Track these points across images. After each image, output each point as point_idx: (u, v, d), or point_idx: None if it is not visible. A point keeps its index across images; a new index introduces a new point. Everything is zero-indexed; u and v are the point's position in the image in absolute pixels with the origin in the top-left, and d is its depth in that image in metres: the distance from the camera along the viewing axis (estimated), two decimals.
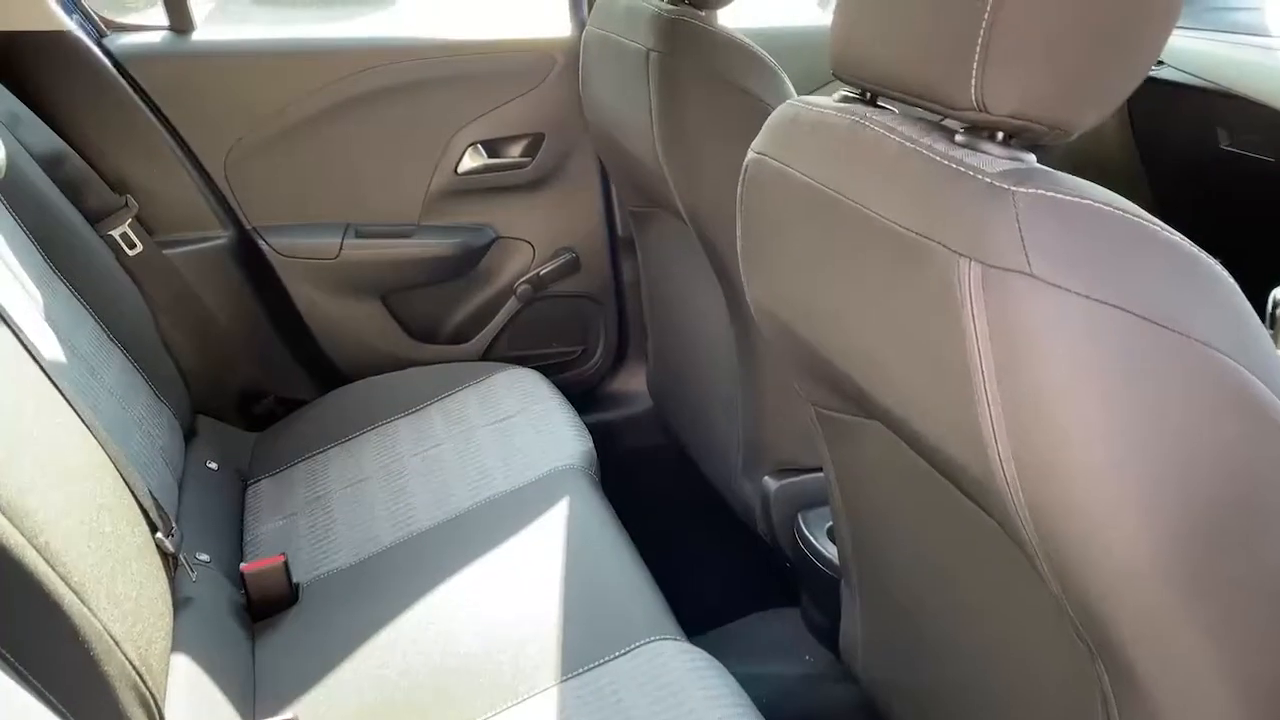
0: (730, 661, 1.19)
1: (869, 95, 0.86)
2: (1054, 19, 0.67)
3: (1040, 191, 0.66)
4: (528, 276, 2.03)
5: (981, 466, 0.72)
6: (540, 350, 2.09)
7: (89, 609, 1.03)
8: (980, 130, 0.72)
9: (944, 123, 0.76)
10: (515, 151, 1.97)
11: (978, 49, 0.68)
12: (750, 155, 0.97)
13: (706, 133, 1.38)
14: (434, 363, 2.01)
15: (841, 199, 0.81)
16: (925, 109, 0.76)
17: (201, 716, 1.17)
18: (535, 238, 2.02)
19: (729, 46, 1.38)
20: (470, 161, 1.95)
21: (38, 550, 0.99)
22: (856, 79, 0.84)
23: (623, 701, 1.11)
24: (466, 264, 1.99)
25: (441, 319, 2.04)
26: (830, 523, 1.31)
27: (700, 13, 1.43)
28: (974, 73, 0.69)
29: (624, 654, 1.18)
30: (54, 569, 1.00)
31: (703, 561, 1.72)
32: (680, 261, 1.69)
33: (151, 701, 1.08)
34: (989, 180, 0.68)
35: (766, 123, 0.96)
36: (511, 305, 2.04)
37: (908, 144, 0.75)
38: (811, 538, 1.47)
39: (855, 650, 1.26)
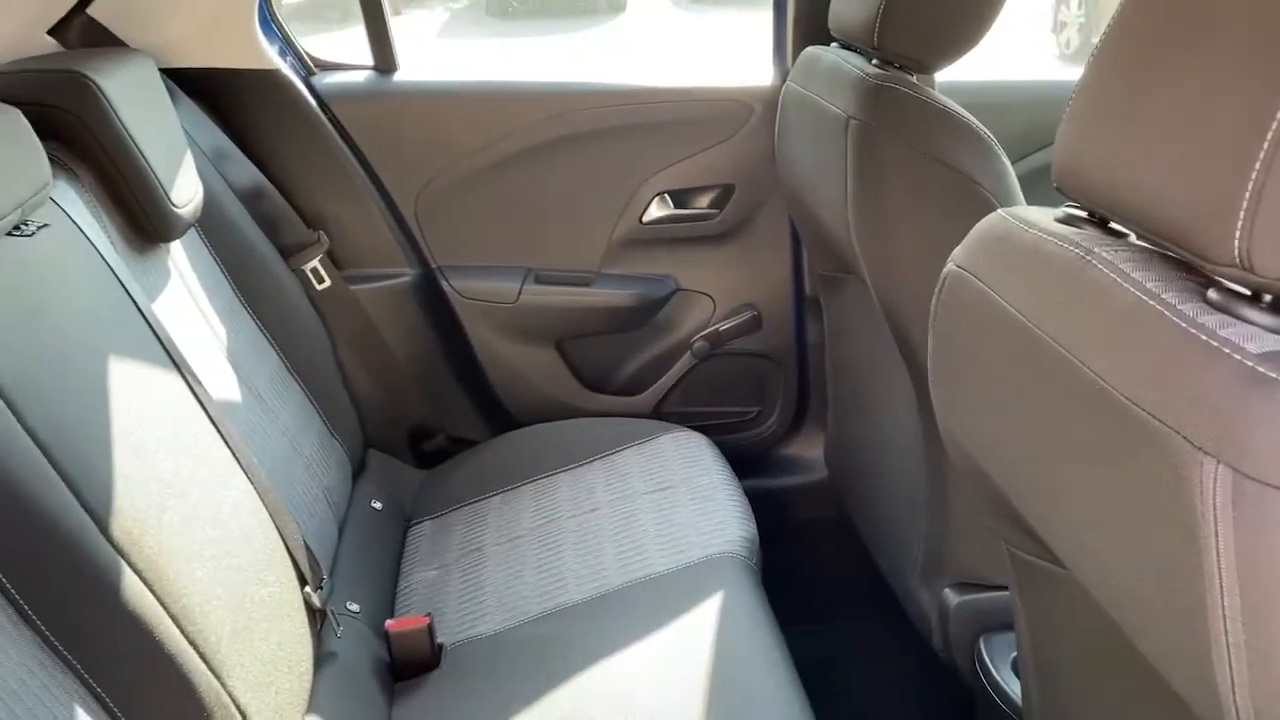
0: None
1: (1098, 216, 0.71)
2: None
3: None
4: (706, 332, 1.94)
5: (1206, 703, 0.57)
6: (714, 408, 2.00)
7: (220, 679, 1.02)
8: (1242, 293, 0.57)
9: (1193, 268, 0.61)
10: (703, 202, 1.89)
11: (1246, 196, 0.53)
12: (950, 266, 0.84)
13: (906, 211, 1.25)
14: (604, 413, 1.96)
15: (1053, 346, 0.67)
16: (1169, 251, 0.62)
17: None
18: (717, 292, 1.93)
19: (939, 117, 1.24)
20: (656, 210, 1.89)
21: (173, 617, 0.98)
22: (1086, 199, 0.70)
23: None
24: (644, 315, 1.93)
25: (615, 369, 1.98)
26: (1016, 653, 1.15)
27: (911, 77, 1.30)
28: (1240, 223, 0.54)
29: None
30: (187, 636, 0.99)
31: (865, 665, 1.58)
32: (869, 336, 1.56)
33: None
34: (1251, 364, 0.53)
35: (973, 232, 0.83)
36: (687, 360, 1.96)
37: (1146, 299, 0.60)
38: (993, 668, 1.30)
39: None
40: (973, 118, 1.25)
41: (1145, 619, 0.63)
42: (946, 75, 1.44)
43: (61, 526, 0.91)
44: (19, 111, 1.08)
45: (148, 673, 0.95)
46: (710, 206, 1.88)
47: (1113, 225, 0.71)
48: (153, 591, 0.97)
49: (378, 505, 1.71)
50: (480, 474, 1.81)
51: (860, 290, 1.52)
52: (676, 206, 1.89)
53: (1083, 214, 0.73)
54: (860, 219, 1.30)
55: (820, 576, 1.84)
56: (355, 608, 1.44)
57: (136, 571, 0.96)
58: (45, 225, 1.10)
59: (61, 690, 0.87)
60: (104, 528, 0.95)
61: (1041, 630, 1.02)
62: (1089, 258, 0.66)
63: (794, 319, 1.94)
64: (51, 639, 0.88)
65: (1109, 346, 0.62)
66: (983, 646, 1.33)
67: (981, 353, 0.79)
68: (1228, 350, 0.55)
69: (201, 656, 1.00)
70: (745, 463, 1.85)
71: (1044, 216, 0.76)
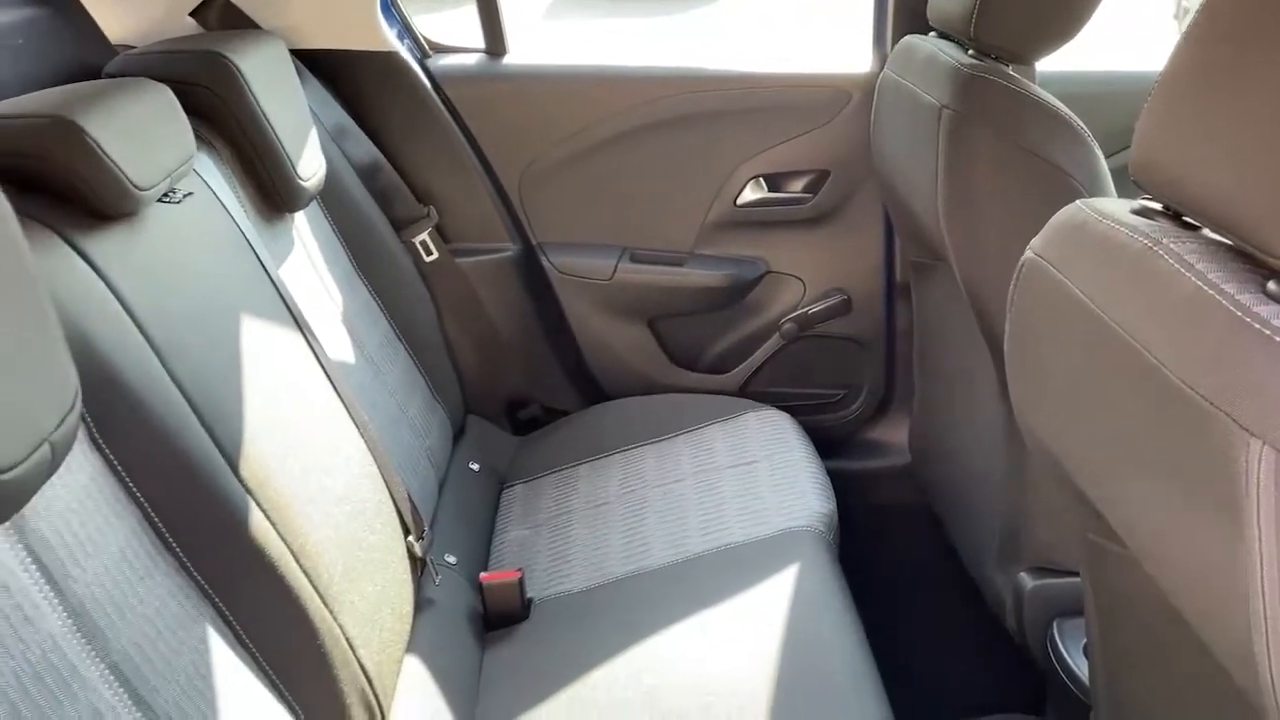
0: None
1: (1172, 210, 0.74)
2: None
3: None
4: (795, 314, 1.98)
5: (1248, 678, 0.61)
6: (799, 389, 2.04)
7: (331, 613, 1.11)
8: None
9: (1257, 261, 0.64)
10: (797, 186, 1.93)
11: None
12: (1028, 254, 0.88)
13: (995, 201, 1.27)
14: (692, 390, 2.01)
15: (1117, 331, 0.71)
16: (1236, 244, 0.65)
17: (423, 718, 1.24)
18: (807, 275, 1.97)
19: (1034, 109, 1.25)
20: (751, 194, 1.93)
21: (293, 553, 1.08)
22: (1160, 192, 0.73)
23: None
24: (735, 296, 1.98)
25: (704, 348, 2.04)
26: (1087, 639, 1.17)
27: (1006, 68, 1.32)
28: None
29: None
30: (306, 573, 1.09)
31: (939, 647, 1.61)
32: (957, 323, 1.58)
33: (376, 706, 1.16)
34: None
35: (1050, 222, 0.86)
36: (775, 341, 2.00)
37: (1206, 288, 0.63)
38: (1065, 652, 1.33)
39: None
40: (1067, 110, 1.26)
41: (1192, 592, 0.66)
42: (1052, 65, 1.45)
43: (200, 466, 1.01)
44: (169, 89, 1.19)
45: (269, 602, 1.05)
46: (804, 191, 1.92)
47: (1185, 219, 0.74)
48: (276, 529, 1.07)
49: (475, 467, 1.81)
50: (572, 442, 1.89)
51: (950, 277, 1.54)
52: (770, 190, 1.93)
53: (1157, 206, 0.76)
54: (949, 207, 1.32)
55: (897, 559, 1.87)
56: (452, 560, 1.53)
57: (263, 510, 1.06)
58: (190, 194, 1.21)
59: (197, 612, 0.98)
60: (235, 470, 1.05)
61: (1110, 613, 1.05)
62: (1156, 248, 0.69)
63: (884, 304, 1.97)
64: (189, 566, 0.99)
65: (1170, 333, 0.66)
66: (1056, 630, 1.36)
67: (1053, 338, 0.82)
68: (1279, 339, 0.58)
69: (316, 591, 1.10)
70: (828, 444, 1.89)
71: (1120, 208, 0.79)
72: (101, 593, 0.86)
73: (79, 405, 0.82)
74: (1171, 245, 0.69)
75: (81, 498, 0.89)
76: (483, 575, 1.50)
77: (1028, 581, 1.42)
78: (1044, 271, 0.84)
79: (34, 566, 0.80)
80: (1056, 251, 0.83)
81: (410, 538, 1.39)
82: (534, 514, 1.73)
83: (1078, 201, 0.84)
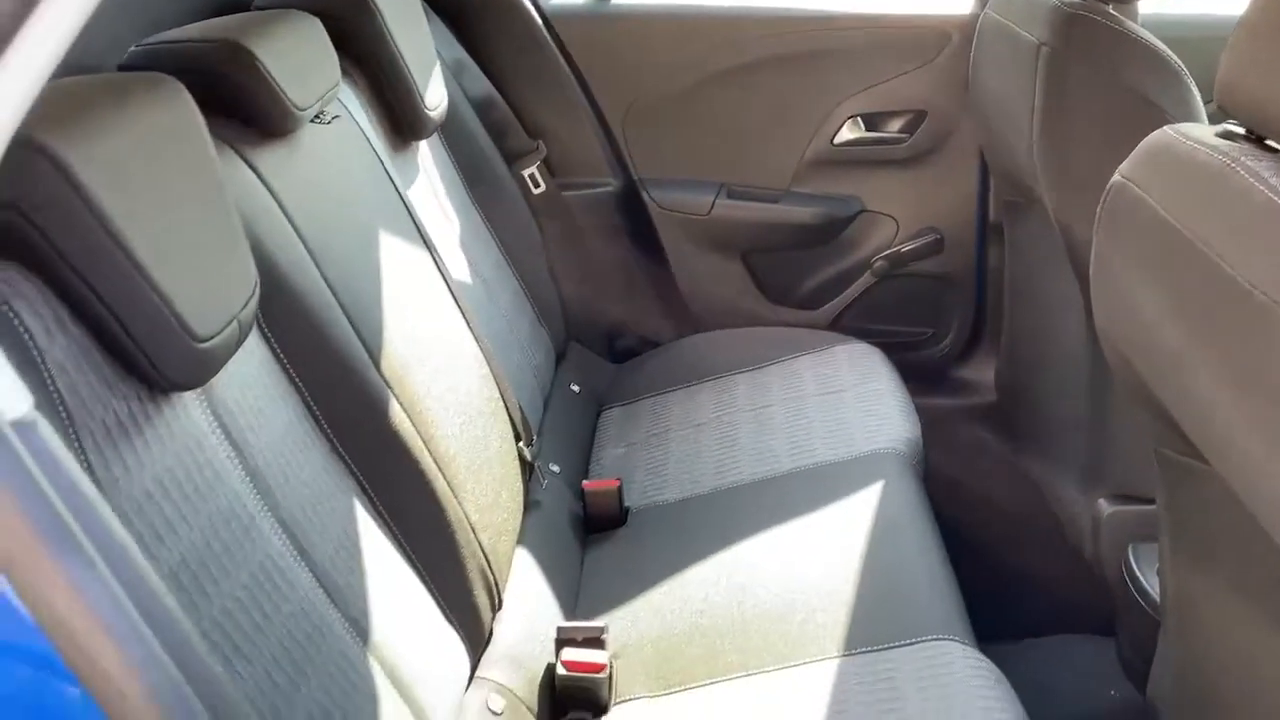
0: (1024, 677, 1.17)
1: (1255, 134, 0.80)
2: None
3: None
4: (888, 252, 2.03)
5: None
6: (889, 327, 2.10)
7: (457, 498, 1.24)
8: None
9: None
10: (894, 126, 1.97)
11: None
12: (1115, 178, 0.93)
13: (1090, 139, 1.31)
14: (784, 324, 2.09)
15: (1196, 245, 0.77)
16: None
17: (531, 604, 1.37)
18: (900, 214, 2.02)
19: (1133, 47, 1.29)
20: (848, 133, 1.98)
21: (425, 443, 1.21)
22: (1243, 116, 0.79)
23: (896, 690, 1.14)
24: (829, 233, 2.04)
25: (796, 284, 2.11)
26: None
27: (1107, 6, 1.35)
28: None
29: (908, 645, 1.21)
30: (435, 460, 1.22)
31: (1018, 570, 1.68)
32: (1047, 261, 1.63)
33: (493, 583, 1.29)
34: None
35: (1139, 146, 0.91)
36: (866, 279, 2.06)
37: (1277, 198, 0.69)
38: (1139, 573, 1.39)
39: (1164, 698, 1.19)
40: (1166, 49, 1.29)
41: (1262, 491, 0.73)
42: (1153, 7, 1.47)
43: (348, 359, 1.14)
44: (319, 20, 1.30)
45: (405, 484, 1.18)
46: (901, 131, 1.96)
47: (1267, 142, 0.79)
48: (410, 420, 1.19)
49: (576, 389, 1.92)
50: (667, 370, 1.99)
51: (1043, 217, 1.59)
52: (868, 130, 1.98)
53: (1240, 130, 0.81)
54: (1044, 142, 1.37)
55: (981, 492, 1.93)
56: (556, 469, 1.65)
57: (400, 403, 1.19)
58: (336, 116, 1.33)
59: (345, 486, 1.11)
60: (377, 364, 1.17)
61: (1182, 527, 1.11)
62: (1234, 165, 0.75)
63: (976, 244, 2.01)
64: (338, 446, 1.12)
65: (1243, 242, 0.72)
66: (1131, 554, 1.41)
67: (1135, 254, 0.89)
68: None
69: (445, 478, 1.23)
70: (916, 381, 1.94)
71: (1205, 132, 0.84)
72: (272, 459, 0.99)
73: (258, 292, 0.94)
74: (1249, 162, 0.75)
75: (254, 378, 1.02)
76: (585, 483, 1.61)
77: (1106, 508, 1.48)
78: (1129, 192, 0.90)
79: (220, 430, 0.93)
80: (1142, 172, 0.89)
81: (521, 443, 1.51)
82: (631, 434, 1.84)
83: (1165, 127, 0.89)
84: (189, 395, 0.90)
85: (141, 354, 0.81)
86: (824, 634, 1.25)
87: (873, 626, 1.24)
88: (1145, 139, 0.91)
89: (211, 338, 0.86)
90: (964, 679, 1.14)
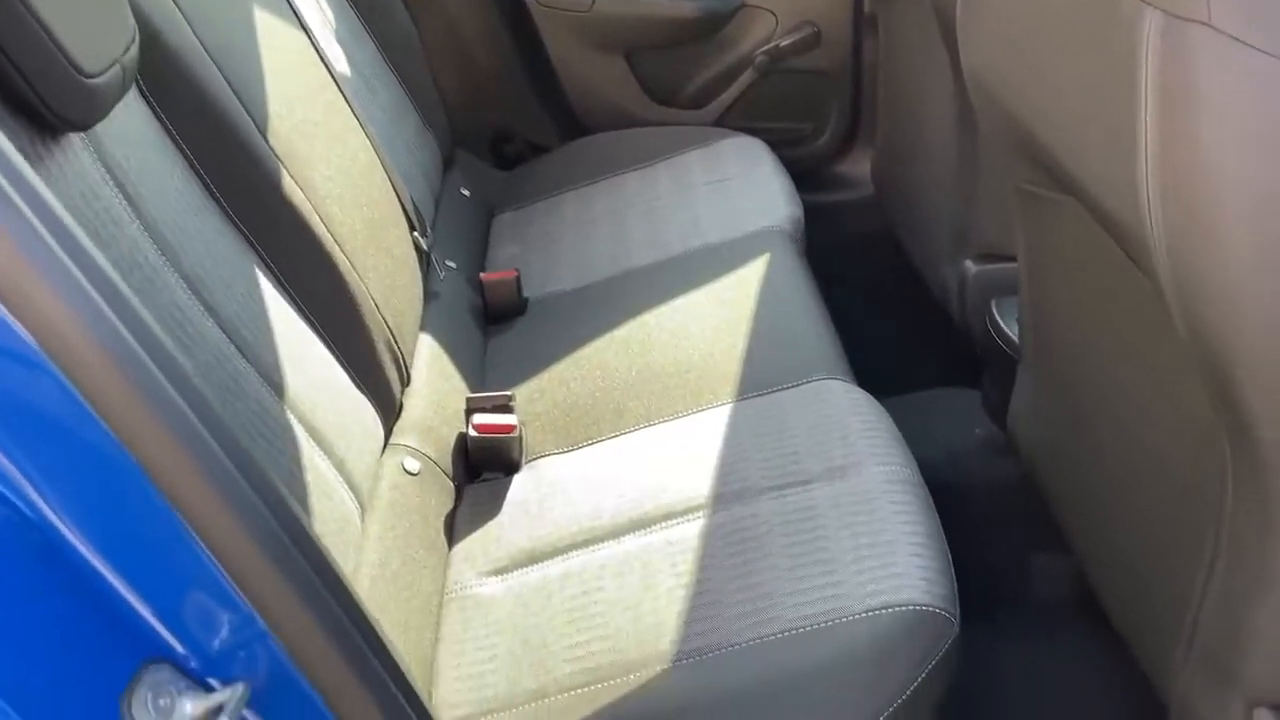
0: (900, 421, 1.27)
1: None
2: None
3: None
4: (768, 47, 2.06)
5: (1132, 215, 0.76)
6: (771, 124, 2.13)
7: (357, 272, 1.25)
8: None
9: None
10: None
11: None
12: None
13: None
14: (670, 124, 2.11)
15: None
16: None
17: (438, 381, 1.41)
18: (779, 8, 2.03)
19: None
20: None
21: (321, 218, 1.21)
22: None
23: (785, 422, 1.24)
24: (710, 28, 2.05)
25: (680, 83, 2.12)
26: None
27: None
28: None
29: (794, 386, 1.30)
30: (331, 233, 1.22)
31: (893, 335, 1.80)
32: (920, 49, 1.68)
33: (400, 357, 1.32)
34: None
35: None
36: (748, 76, 2.09)
37: None
38: (1001, 322, 1.51)
39: (1020, 418, 1.32)
40: None
41: (1095, 156, 0.81)
42: None
43: (234, 126, 1.12)
44: None
45: (303, 255, 1.19)
46: None
47: None
48: (303, 192, 1.19)
49: (465, 193, 1.92)
50: (556, 174, 2.00)
51: (914, 4, 1.63)
52: None
53: None
54: None
55: (860, 274, 2.04)
56: (453, 264, 1.67)
57: (291, 175, 1.18)
58: None
59: (244, 252, 1.11)
60: (264, 133, 1.16)
61: (1039, 261, 1.21)
62: None
63: (851, 37, 2.05)
64: (232, 216, 1.11)
65: None
66: (994, 307, 1.53)
67: None
68: None
69: (343, 253, 1.24)
70: (797, 178, 2.01)
71: None
72: (169, 216, 0.98)
73: (138, 39, 0.92)
74: None
75: (139, 136, 1.00)
76: (482, 274, 1.64)
77: (972, 268, 1.59)
78: None
79: (111, 182, 0.93)
80: None
81: (415, 233, 1.52)
82: (525, 234, 1.86)
83: None
84: (77, 142, 0.89)
85: (30, 89, 0.80)
86: (718, 384, 1.34)
87: (762, 373, 1.33)
88: None
89: (98, 75, 0.84)
90: (844, 407, 1.24)
